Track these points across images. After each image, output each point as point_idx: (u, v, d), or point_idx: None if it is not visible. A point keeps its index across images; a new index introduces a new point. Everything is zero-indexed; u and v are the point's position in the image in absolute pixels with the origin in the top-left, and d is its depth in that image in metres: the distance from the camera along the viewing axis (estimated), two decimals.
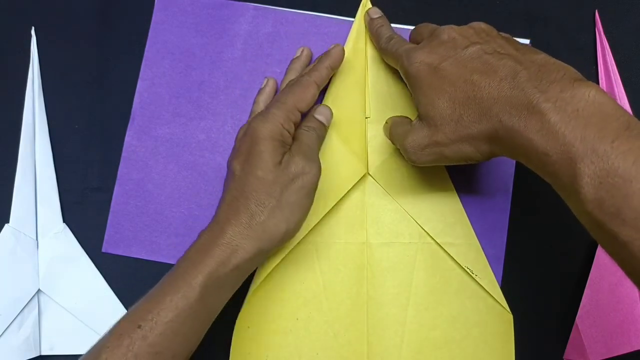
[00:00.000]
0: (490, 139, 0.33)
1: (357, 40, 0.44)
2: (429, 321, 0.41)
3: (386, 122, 0.42)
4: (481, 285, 0.41)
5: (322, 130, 0.41)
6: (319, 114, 0.41)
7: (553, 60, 0.32)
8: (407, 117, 0.40)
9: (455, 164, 0.36)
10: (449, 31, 0.36)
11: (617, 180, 0.26)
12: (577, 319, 0.41)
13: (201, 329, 0.35)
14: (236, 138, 0.40)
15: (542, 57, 0.32)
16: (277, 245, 0.37)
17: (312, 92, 0.39)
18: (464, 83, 0.33)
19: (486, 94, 0.32)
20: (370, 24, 0.43)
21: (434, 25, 0.39)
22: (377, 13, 0.43)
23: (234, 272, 0.34)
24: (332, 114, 0.41)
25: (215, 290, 0.34)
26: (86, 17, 0.46)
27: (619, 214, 0.26)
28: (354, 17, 0.45)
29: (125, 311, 0.41)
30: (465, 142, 0.34)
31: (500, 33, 0.36)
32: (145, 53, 0.45)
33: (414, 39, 0.41)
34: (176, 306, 0.32)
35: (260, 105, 0.42)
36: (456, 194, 0.42)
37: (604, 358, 0.40)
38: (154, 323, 0.32)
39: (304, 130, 0.39)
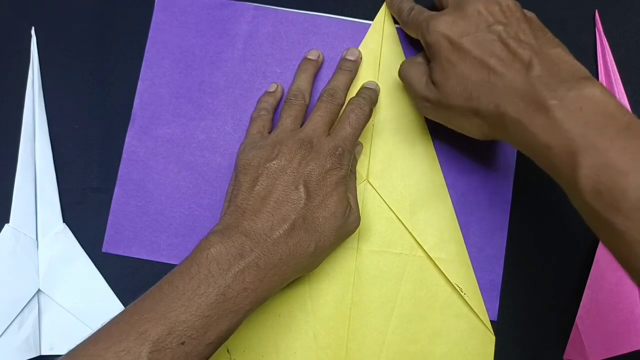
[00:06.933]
0: (495, 123, 0.34)
1: (371, 47, 0.44)
2: (411, 334, 0.41)
3: (403, 63, 0.41)
4: (468, 304, 0.41)
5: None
6: (358, 154, 0.43)
7: (567, 58, 0.33)
8: (423, 63, 0.39)
9: (455, 129, 0.38)
10: (474, 4, 0.36)
11: (613, 173, 0.28)
12: (577, 319, 0.41)
13: None
14: (277, 137, 0.38)
15: (557, 52, 0.33)
16: None
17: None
18: (479, 65, 0.34)
19: (499, 82, 0.33)
20: (390, 3, 0.43)
21: None
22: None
23: (269, 298, 0.35)
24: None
25: (250, 314, 0.34)
26: (86, 17, 0.46)
27: (615, 204, 0.28)
28: (354, 17, 0.45)
29: None
30: (469, 116, 0.35)
31: (525, 11, 0.36)
32: (145, 53, 0.45)
33: (438, 1, 0.41)
34: (220, 330, 0.32)
35: (267, 105, 0.42)
36: (453, 211, 0.42)
37: (604, 358, 0.40)
38: (197, 342, 0.31)
39: (351, 173, 0.40)
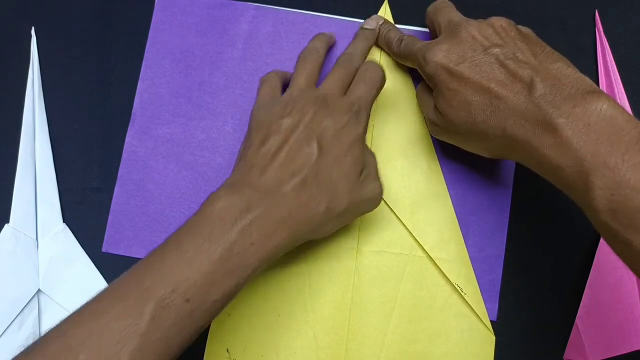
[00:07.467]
0: (503, 145, 0.33)
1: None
2: (411, 334, 0.41)
3: (417, 87, 0.41)
4: (468, 304, 0.41)
5: None
6: None
7: (569, 71, 0.32)
8: (428, 89, 0.39)
9: (465, 149, 0.38)
10: (467, 28, 0.35)
11: (628, 192, 0.27)
12: (577, 319, 0.41)
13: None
14: (295, 94, 0.37)
15: (558, 66, 0.32)
16: None
17: None
18: (480, 90, 0.33)
19: (502, 105, 0.32)
20: (375, 35, 0.43)
21: (452, 14, 0.38)
22: (376, 21, 0.43)
23: (278, 256, 0.33)
24: None
25: (259, 271, 0.32)
26: (86, 17, 0.46)
27: (632, 223, 0.27)
28: (354, 17, 0.45)
29: None
30: (477, 140, 0.35)
31: (519, 27, 0.36)
32: (145, 53, 0.45)
33: (430, 23, 0.40)
34: (227, 286, 0.30)
35: (275, 72, 0.41)
36: (453, 211, 0.42)
37: (604, 358, 0.40)
38: (202, 299, 0.29)
39: (369, 151, 0.39)
